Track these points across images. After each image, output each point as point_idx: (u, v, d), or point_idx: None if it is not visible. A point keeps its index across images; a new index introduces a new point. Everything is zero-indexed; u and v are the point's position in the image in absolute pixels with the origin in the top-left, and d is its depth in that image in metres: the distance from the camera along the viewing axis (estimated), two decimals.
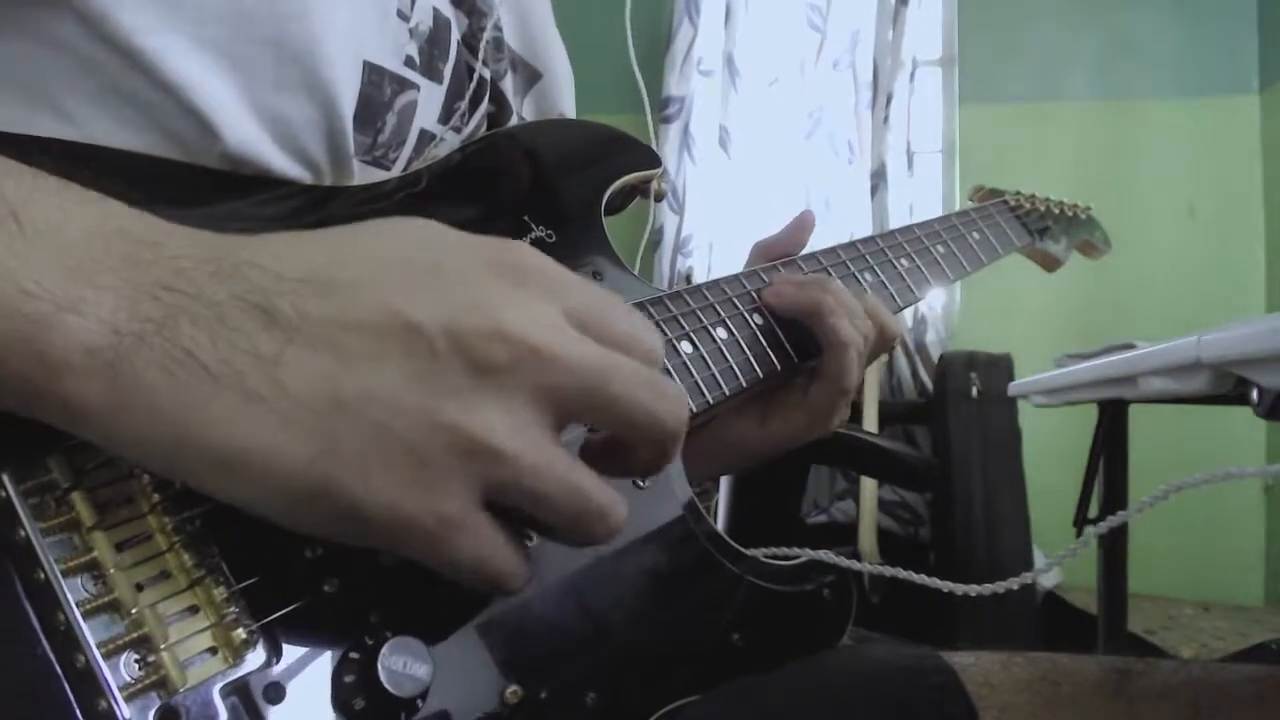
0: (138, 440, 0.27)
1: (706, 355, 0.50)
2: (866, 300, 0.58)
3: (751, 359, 0.53)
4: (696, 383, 0.49)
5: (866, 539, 2.03)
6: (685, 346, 0.50)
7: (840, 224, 2.49)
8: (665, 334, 0.49)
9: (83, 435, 0.28)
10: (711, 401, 0.49)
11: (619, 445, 0.34)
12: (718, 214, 2.59)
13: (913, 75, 2.49)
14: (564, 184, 0.54)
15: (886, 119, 2.46)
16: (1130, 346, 1.12)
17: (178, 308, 0.27)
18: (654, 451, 0.33)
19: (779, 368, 0.54)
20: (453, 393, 0.28)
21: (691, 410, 0.48)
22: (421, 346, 0.28)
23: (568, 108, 0.67)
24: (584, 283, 0.33)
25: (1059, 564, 0.48)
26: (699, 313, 0.52)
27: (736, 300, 0.55)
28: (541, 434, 0.29)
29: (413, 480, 0.28)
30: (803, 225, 0.66)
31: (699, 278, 2.38)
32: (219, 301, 0.28)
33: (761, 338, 0.54)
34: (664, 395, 0.31)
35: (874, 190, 2.49)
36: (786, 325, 0.56)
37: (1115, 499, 1.36)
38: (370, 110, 0.47)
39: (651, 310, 0.50)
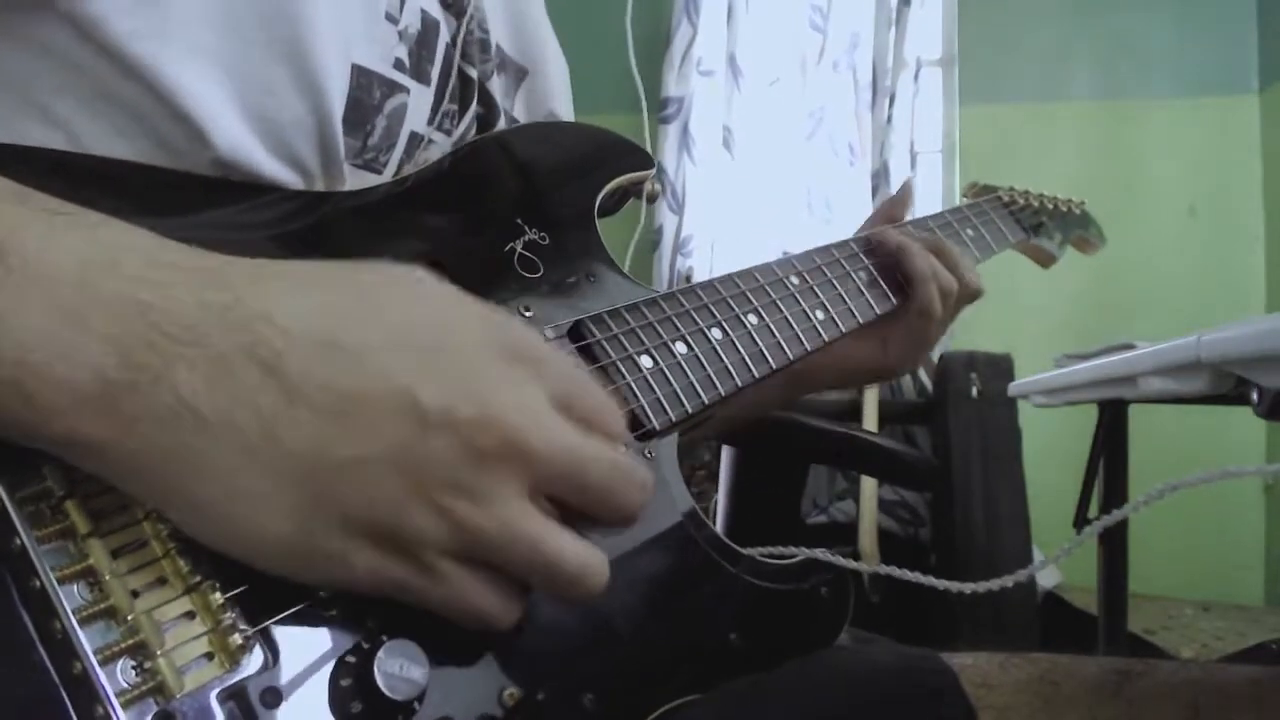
0: (126, 479, 0.28)
1: (701, 356, 0.51)
2: (950, 255, 0.69)
3: (746, 360, 0.53)
4: (692, 384, 0.49)
5: (866, 539, 2.03)
6: (680, 348, 0.50)
7: (841, 224, 2.49)
8: (660, 335, 0.49)
9: (85, 469, 0.28)
10: (706, 403, 0.49)
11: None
12: (718, 214, 2.59)
13: (916, 75, 2.49)
14: (557, 187, 0.54)
15: (890, 119, 2.45)
16: (1130, 346, 1.12)
17: (174, 354, 0.27)
18: (618, 522, 0.35)
19: (774, 368, 0.54)
20: (440, 470, 0.29)
21: (687, 412, 0.48)
22: (417, 421, 0.29)
23: (560, 105, 0.67)
24: (567, 362, 0.36)
25: (1056, 561, 0.48)
26: (693, 314, 0.52)
27: (731, 301, 0.55)
28: (518, 506, 0.31)
29: (394, 545, 0.29)
30: (906, 197, 0.78)
31: (699, 278, 2.38)
32: (223, 352, 0.28)
33: (756, 338, 0.54)
34: (630, 482, 0.34)
35: (875, 190, 2.49)
36: (781, 325, 0.56)
37: (1115, 499, 1.35)
38: (359, 113, 0.47)
39: (645, 312, 0.50)
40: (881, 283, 0.66)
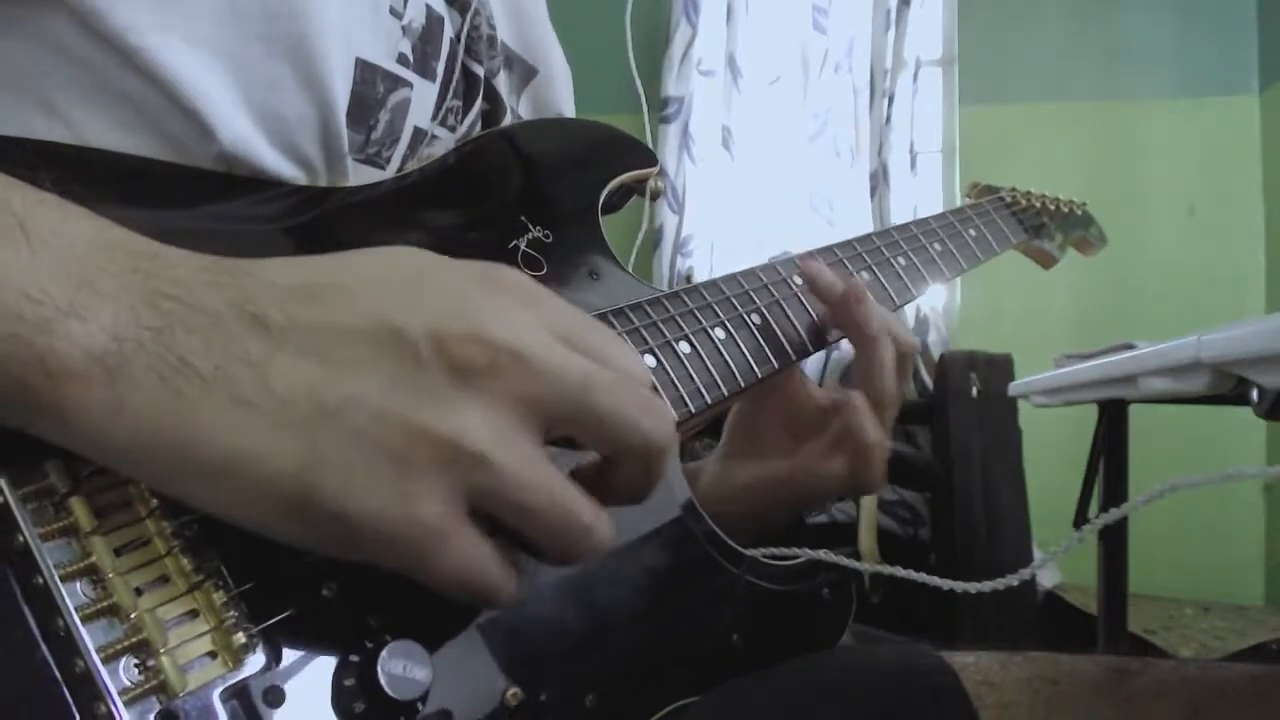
0: (130, 447, 0.28)
1: (705, 356, 0.50)
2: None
3: (750, 360, 0.53)
4: (695, 383, 0.49)
5: (866, 539, 2.03)
6: (683, 347, 0.50)
7: (842, 225, 2.49)
8: (664, 334, 0.49)
9: (75, 445, 0.28)
10: (710, 402, 0.49)
11: (605, 467, 0.33)
12: (718, 214, 2.59)
13: (916, 75, 2.49)
14: (560, 183, 0.54)
15: (889, 119, 2.45)
16: (1130, 346, 1.12)
17: (175, 316, 0.28)
18: (640, 469, 0.32)
19: (778, 368, 0.54)
20: (434, 398, 0.28)
21: (690, 411, 0.48)
22: (405, 351, 0.29)
23: (565, 106, 0.67)
24: (569, 305, 0.33)
25: (1055, 558, 0.48)
26: (697, 313, 0.52)
27: (735, 300, 0.55)
28: (524, 441, 0.29)
29: (396, 487, 0.28)
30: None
31: (699, 278, 2.38)
32: (215, 310, 0.28)
33: (760, 338, 0.54)
34: (649, 409, 0.31)
35: (873, 191, 2.49)
36: (785, 325, 0.56)
37: (1115, 499, 1.35)
38: (363, 108, 0.47)
39: (649, 310, 0.50)
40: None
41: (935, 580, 0.49)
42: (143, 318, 0.28)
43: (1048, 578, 2.06)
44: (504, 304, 0.31)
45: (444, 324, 0.29)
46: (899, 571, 0.50)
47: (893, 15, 2.48)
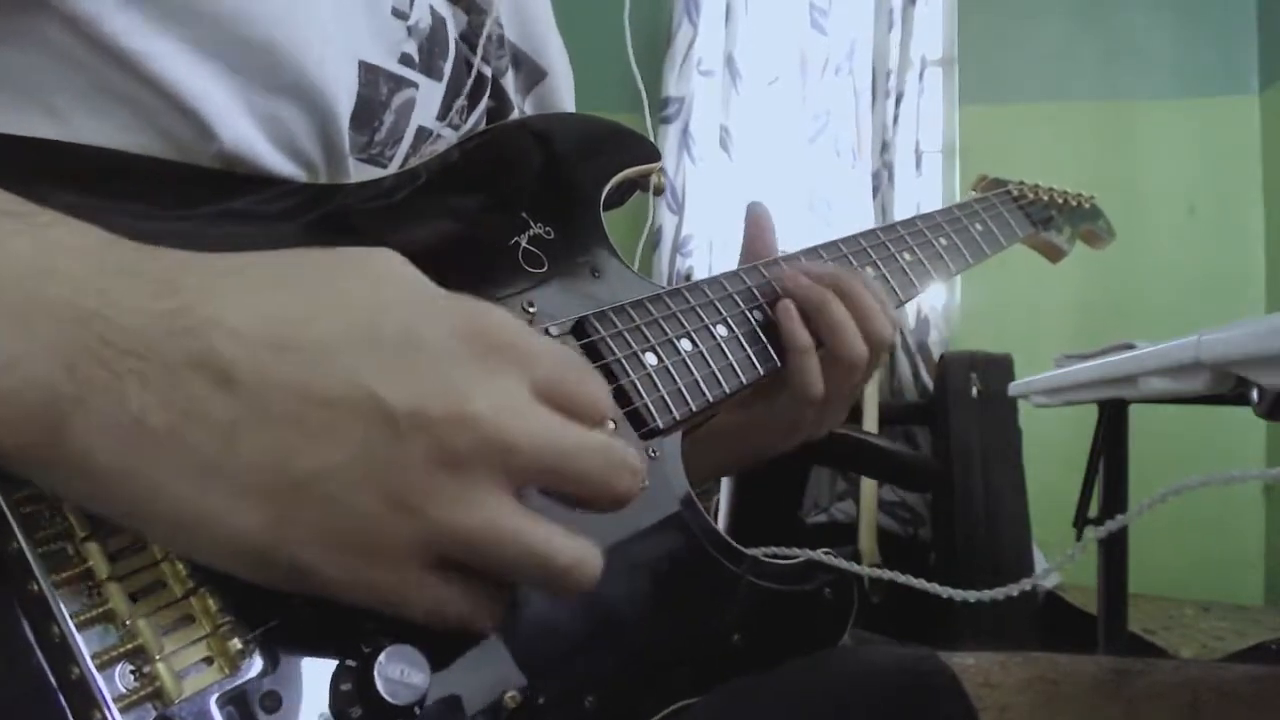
0: (85, 499, 0.27)
1: (706, 352, 0.50)
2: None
3: (752, 356, 0.53)
4: (696, 381, 0.49)
5: (866, 539, 2.03)
6: (685, 344, 0.50)
7: (842, 225, 2.49)
8: (665, 332, 0.49)
9: (45, 488, 0.27)
10: (712, 400, 0.49)
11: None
12: (717, 214, 2.59)
13: (921, 74, 2.48)
14: (563, 179, 0.54)
15: (896, 118, 2.45)
16: (1130, 346, 1.12)
17: (125, 369, 0.26)
18: (608, 508, 0.33)
19: (780, 365, 0.54)
20: (413, 476, 0.28)
21: (691, 409, 0.48)
22: (384, 424, 0.27)
23: (566, 106, 0.67)
24: (549, 347, 0.32)
25: (1057, 568, 0.48)
26: (699, 310, 0.52)
27: (737, 297, 0.54)
28: (498, 503, 0.29)
29: (367, 556, 0.28)
30: (755, 221, 0.64)
31: (699, 277, 2.37)
32: (173, 364, 0.26)
33: (763, 334, 0.54)
34: (621, 466, 0.32)
35: (875, 190, 2.49)
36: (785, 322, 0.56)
37: (1115, 499, 1.35)
38: (368, 110, 0.47)
39: (651, 307, 0.50)
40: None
41: (939, 589, 0.48)
42: (83, 372, 0.25)
43: (1048, 578, 2.06)
44: (487, 370, 0.30)
45: (427, 402, 0.28)
46: (902, 578, 0.50)
47: (896, 15, 2.48)
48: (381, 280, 0.31)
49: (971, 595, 0.47)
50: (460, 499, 0.28)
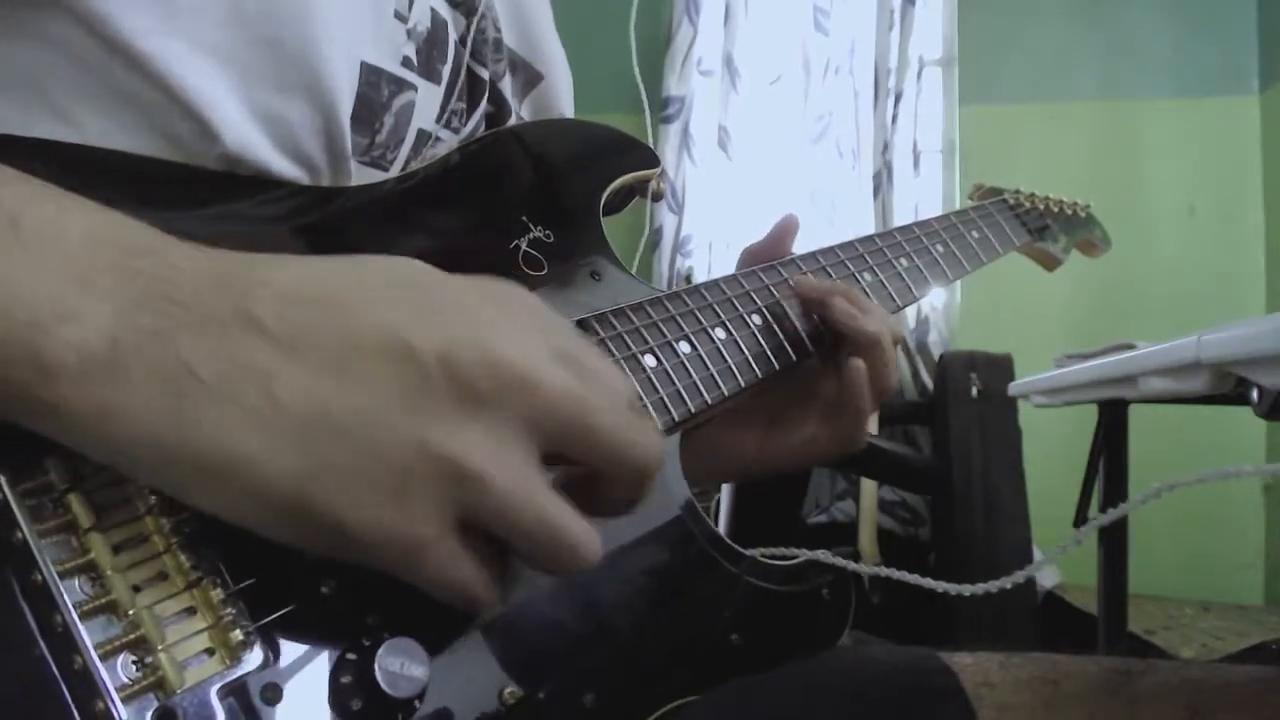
0: (128, 446, 0.28)
1: (705, 356, 0.50)
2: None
3: (750, 360, 0.53)
4: (695, 383, 0.49)
5: (866, 539, 2.03)
6: (684, 347, 0.50)
7: (843, 225, 2.49)
8: (664, 334, 0.49)
9: (72, 443, 0.28)
10: (710, 402, 0.49)
11: (597, 480, 0.34)
12: (718, 214, 2.59)
13: (920, 74, 2.49)
14: (562, 184, 0.54)
15: (895, 118, 2.45)
16: (1130, 346, 1.12)
17: (177, 318, 0.28)
18: (630, 486, 0.34)
19: (778, 368, 0.54)
20: (441, 417, 0.29)
21: (690, 411, 0.48)
22: (415, 369, 0.29)
23: (567, 111, 0.67)
24: (565, 321, 0.34)
25: (1054, 558, 0.48)
26: (698, 313, 0.52)
27: (735, 301, 0.55)
28: (521, 461, 0.30)
29: (394, 501, 0.28)
30: (786, 230, 0.65)
31: (699, 278, 2.38)
32: (220, 315, 0.28)
33: (760, 338, 0.54)
34: (641, 431, 0.33)
35: (876, 190, 2.49)
36: (785, 325, 0.56)
37: (1115, 499, 1.35)
38: (368, 111, 0.48)
39: (650, 311, 0.50)
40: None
41: (934, 584, 0.49)
42: (142, 319, 0.27)
43: (1048, 578, 2.06)
44: (512, 325, 0.31)
45: (455, 346, 0.29)
46: (899, 574, 0.50)
47: (896, 14, 2.48)
48: (405, 262, 0.33)
49: (966, 589, 0.47)
50: (483, 442, 0.29)
